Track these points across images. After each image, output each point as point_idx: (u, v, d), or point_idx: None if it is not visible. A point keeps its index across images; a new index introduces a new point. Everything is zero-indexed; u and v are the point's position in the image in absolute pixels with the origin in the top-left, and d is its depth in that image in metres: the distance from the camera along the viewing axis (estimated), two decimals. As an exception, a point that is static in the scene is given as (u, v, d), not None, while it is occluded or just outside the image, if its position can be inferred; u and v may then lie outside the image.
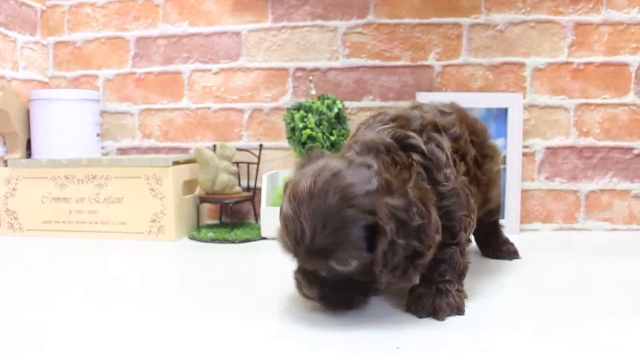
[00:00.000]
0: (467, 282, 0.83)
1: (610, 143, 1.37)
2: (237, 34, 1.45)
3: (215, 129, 1.48)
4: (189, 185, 1.39)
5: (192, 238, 1.31)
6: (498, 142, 1.35)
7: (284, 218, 0.70)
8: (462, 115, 0.89)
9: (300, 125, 1.23)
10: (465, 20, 1.38)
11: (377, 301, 0.81)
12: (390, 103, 1.40)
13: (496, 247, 1.11)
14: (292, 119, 1.24)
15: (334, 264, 0.69)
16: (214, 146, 1.39)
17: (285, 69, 1.43)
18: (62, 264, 1.10)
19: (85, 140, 1.43)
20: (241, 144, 1.46)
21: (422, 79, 1.40)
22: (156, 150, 1.51)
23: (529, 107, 1.38)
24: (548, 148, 1.38)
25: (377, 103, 1.41)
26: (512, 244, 1.13)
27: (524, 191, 1.39)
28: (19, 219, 1.39)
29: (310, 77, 1.33)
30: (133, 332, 0.72)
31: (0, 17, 1.39)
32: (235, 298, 0.85)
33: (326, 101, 1.26)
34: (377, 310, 0.78)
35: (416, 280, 0.74)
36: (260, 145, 1.41)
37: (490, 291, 0.89)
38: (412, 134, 0.76)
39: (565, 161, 1.38)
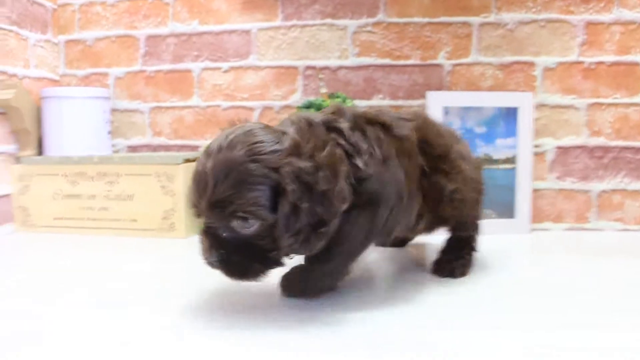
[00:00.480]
0: (470, 279, 0.84)
1: (621, 143, 1.36)
2: (247, 32, 1.45)
3: (225, 126, 1.48)
4: (199, 183, 1.39)
5: (202, 235, 1.32)
6: (507, 142, 1.35)
7: (192, 174, 0.70)
8: (421, 123, 0.88)
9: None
10: (475, 20, 1.38)
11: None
12: (400, 102, 1.40)
13: (438, 261, 0.97)
14: (302, 117, 1.24)
15: (234, 222, 0.67)
16: (224, 144, 1.40)
17: (295, 67, 1.44)
18: (73, 260, 1.11)
19: (96, 138, 1.44)
20: (251, 142, 1.46)
21: (431, 77, 1.39)
22: (167, 148, 1.52)
23: (539, 107, 1.37)
24: (559, 147, 1.38)
25: (387, 102, 1.41)
26: (459, 264, 0.96)
27: (534, 191, 1.38)
28: (31, 216, 1.40)
29: (321, 76, 1.33)
30: (142, 330, 0.72)
31: (13, 16, 1.40)
32: (245, 292, 0.85)
33: (336, 99, 1.26)
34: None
35: (316, 249, 0.70)
36: (270, 143, 1.41)
37: (490, 288, 0.89)
38: (340, 119, 0.76)
39: (576, 161, 1.38)
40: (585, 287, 0.90)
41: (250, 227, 0.67)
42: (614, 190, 1.37)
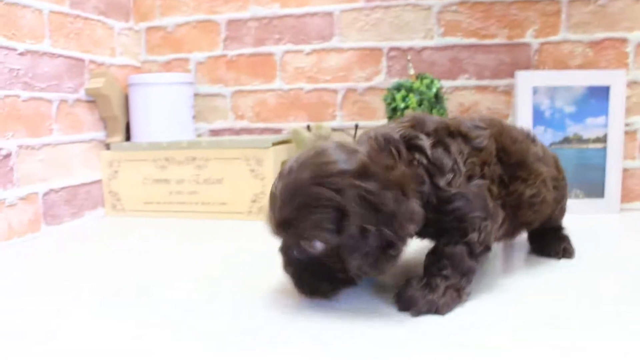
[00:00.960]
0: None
1: None
2: (329, 14, 1.45)
3: (308, 109, 1.49)
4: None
5: (291, 218, 1.34)
6: (598, 120, 1.32)
7: (269, 193, 0.71)
8: (497, 131, 0.83)
9: (402, 105, 1.22)
10: (564, -4, 1.35)
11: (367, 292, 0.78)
12: (486, 82, 1.38)
13: (546, 242, 0.98)
14: (393, 99, 1.24)
15: (302, 242, 0.68)
16: (308, 126, 1.41)
17: (379, 49, 1.43)
18: (164, 243, 1.14)
19: (181, 123, 1.47)
20: (335, 124, 1.46)
21: (519, 57, 1.37)
22: (249, 131, 1.54)
23: (631, 84, 1.34)
24: (650, 126, 1.35)
25: (473, 82, 1.39)
26: (566, 242, 0.98)
27: (624, 170, 1.35)
28: (121, 200, 1.44)
29: (409, 57, 1.32)
30: (233, 309, 0.74)
31: (101, 6, 1.43)
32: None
33: (424, 80, 1.26)
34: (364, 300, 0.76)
35: (386, 271, 0.69)
36: (356, 125, 1.42)
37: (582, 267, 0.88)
38: (421, 135, 0.74)
39: (668, 140, 1.34)
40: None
41: (316, 248, 0.68)
42: None
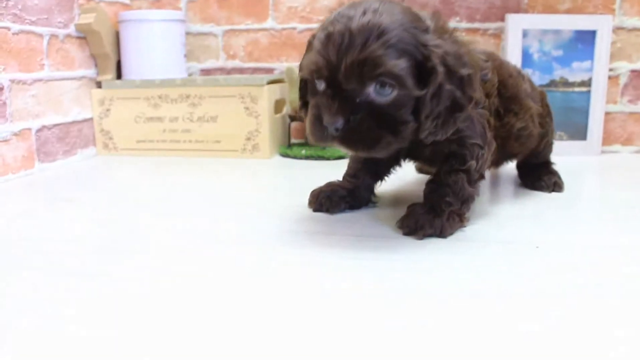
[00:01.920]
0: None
1: (695, 66, 1.37)
2: (323, -47, 1.44)
3: (301, 49, 1.48)
4: (278, 105, 1.42)
5: (285, 155, 1.36)
6: (584, 65, 1.36)
7: (326, 33, 0.65)
8: (498, 65, 0.85)
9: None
10: (556, -61, 1.36)
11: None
12: (477, 24, 1.40)
13: (537, 177, 1.03)
14: (388, 39, 1.26)
15: (374, 86, 0.64)
16: (301, 67, 1.42)
17: (373, -11, 1.43)
18: (158, 180, 1.16)
19: (173, 61, 1.46)
20: (327, 65, 1.48)
21: (509, 0, 1.39)
22: (240, 70, 1.54)
23: (616, 30, 1.37)
24: (633, 71, 1.39)
25: (464, 24, 1.41)
26: (556, 176, 1.04)
27: (606, 114, 1.40)
28: (113, 139, 1.44)
29: (403, -3, 1.33)
30: (226, 241, 0.78)
31: (88, -64, 1.39)
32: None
33: (419, 21, 1.27)
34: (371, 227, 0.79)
35: (448, 134, 0.70)
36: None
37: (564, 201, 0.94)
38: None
39: (649, 84, 1.39)
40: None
41: (388, 95, 0.64)
42: (685, 114, 1.40)
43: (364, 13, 0.63)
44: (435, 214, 0.74)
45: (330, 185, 0.89)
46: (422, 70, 0.65)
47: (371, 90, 0.64)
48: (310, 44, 0.70)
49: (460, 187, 0.76)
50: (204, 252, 0.69)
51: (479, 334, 0.47)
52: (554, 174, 1.04)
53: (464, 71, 0.66)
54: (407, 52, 0.63)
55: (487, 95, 0.79)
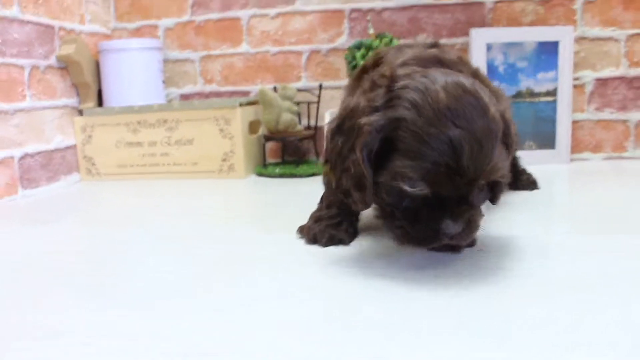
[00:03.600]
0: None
1: (659, 72, 1.40)
2: (293, -22, 1.50)
3: (274, 71, 1.54)
4: (253, 126, 1.47)
5: (260, 174, 1.40)
6: (548, 75, 1.40)
7: (441, 138, 0.59)
8: (474, 71, 0.83)
9: (362, 62, 1.28)
10: (515, -44, 1.41)
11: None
12: (444, 40, 1.45)
13: (513, 178, 1.04)
14: (354, 57, 1.30)
15: (485, 182, 0.62)
16: (275, 88, 1.46)
17: (341, 11, 1.48)
18: (138, 203, 1.21)
19: (151, 87, 1.51)
20: (300, 84, 1.52)
21: (474, 15, 1.44)
22: (218, 94, 1.59)
23: (579, 40, 1.41)
24: (598, 80, 1.42)
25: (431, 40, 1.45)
26: (530, 175, 1.13)
27: (574, 122, 1.44)
28: (95, 164, 1.49)
29: (369, 18, 1.38)
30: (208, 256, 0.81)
31: (67, -29, 1.46)
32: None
33: (384, 39, 1.32)
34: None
35: None
36: (320, 85, 1.48)
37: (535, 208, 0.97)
38: (457, 59, 0.76)
39: (615, 92, 1.42)
40: (620, 203, 0.98)
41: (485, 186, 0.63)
42: (652, 119, 1.42)
43: (473, 106, 0.60)
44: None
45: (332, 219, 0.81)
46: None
47: (483, 185, 0.63)
48: (360, 130, 0.63)
49: None
50: (182, 272, 0.73)
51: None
52: (525, 172, 1.12)
53: (508, 116, 0.67)
54: (499, 140, 0.62)
55: None
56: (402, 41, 1.44)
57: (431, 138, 0.59)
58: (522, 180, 1.12)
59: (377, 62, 0.77)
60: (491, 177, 0.61)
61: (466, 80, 0.62)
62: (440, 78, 0.62)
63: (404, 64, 0.69)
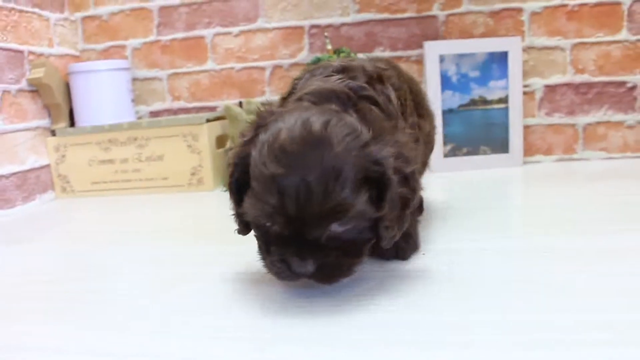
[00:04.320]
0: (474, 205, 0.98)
1: (604, 78, 1.48)
2: (254, -3, 1.56)
3: (239, 87, 1.60)
4: (220, 140, 1.53)
5: (229, 188, 1.46)
6: (500, 83, 1.47)
7: (269, 177, 0.59)
8: (398, 71, 0.86)
9: (354, 58, 1.35)
10: (465, -29, 1.48)
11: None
12: (399, 53, 1.52)
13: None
14: (312, 74, 1.37)
15: (337, 225, 0.61)
16: (240, 103, 1.52)
17: (301, 27, 1.55)
18: (112, 218, 1.26)
19: (121, 106, 1.57)
20: (264, 99, 1.59)
21: (428, 28, 1.51)
22: (186, 110, 1.65)
23: (527, 49, 1.49)
24: (547, 86, 1.50)
25: (388, 53, 1.53)
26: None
27: (526, 127, 1.51)
28: (70, 182, 1.54)
29: (326, 34, 1.45)
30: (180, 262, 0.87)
31: (34, -3, 1.51)
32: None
33: (342, 54, 1.38)
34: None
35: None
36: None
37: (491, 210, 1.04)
38: (366, 85, 0.72)
39: (563, 97, 1.50)
40: (574, 204, 1.06)
41: (349, 225, 0.62)
42: (598, 123, 1.50)
43: (310, 147, 0.59)
44: (408, 236, 0.77)
45: None
46: (378, 185, 0.62)
47: (335, 227, 0.61)
48: (235, 165, 0.66)
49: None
50: (155, 291, 0.78)
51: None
52: None
53: (409, 169, 0.65)
54: (364, 180, 0.61)
55: (405, 100, 0.80)
56: (360, 55, 1.51)
57: (261, 176, 0.60)
58: None
59: (292, 90, 0.78)
60: (330, 218, 0.59)
61: (320, 120, 0.60)
62: (292, 118, 0.62)
63: (300, 99, 0.70)
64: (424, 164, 0.94)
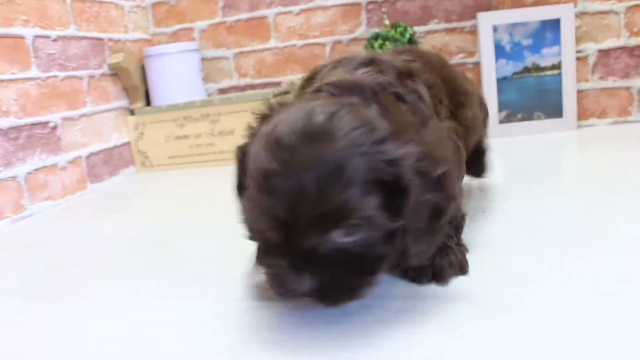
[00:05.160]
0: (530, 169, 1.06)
1: (659, 39, 1.51)
2: (313, -24, 1.65)
3: (302, 62, 1.70)
4: (286, 115, 1.63)
5: (295, 158, 1.58)
6: (552, 50, 1.52)
7: (262, 175, 0.52)
8: (426, 61, 0.77)
9: (380, 52, 1.43)
10: (517, -60, 1.52)
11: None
12: (454, 24, 1.58)
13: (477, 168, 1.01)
14: (372, 47, 1.45)
15: (339, 233, 0.52)
16: (303, 77, 1.62)
17: (358, 4, 1.63)
18: (189, 189, 1.40)
19: (193, 85, 1.69)
20: (325, 74, 1.68)
21: (480, 0, 1.56)
22: (252, 86, 1.76)
23: (580, 15, 1.52)
24: (600, 51, 1.54)
25: (443, 25, 1.59)
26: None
27: (579, 92, 1.56)
28: (148, 157, 1.68)
29: (383, 9, 1.52)
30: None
31: (111, -13, 1.64)
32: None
33: (398, 29, 1.46)
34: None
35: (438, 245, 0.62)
36: (344, 74, 1.63)
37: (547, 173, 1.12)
38: (395, 81, 0.64)
39: (617, 61, 1.54)
40: (629, 161, 1.12)
41: (355, 237, 0.52)
42: (653, 84, 1.54)
43: (309, 139, 0.51)
44: (445, 252, 0.66)
45: None
46: (394, 189, 0.53)
47: (337, 236, 0.52)
48: (241, 162, 0.60)
49: (452, 215, 0.62)
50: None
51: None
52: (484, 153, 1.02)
53: (440, 170, 0.55)
54: (374, 182, 0.51)
55: (440, 100, 0.71)
56: (415, 28, 1.58)
57: (254, 173, 0.53)
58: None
59: (310, 79, 0.73)
60: (328, 224, 0.51)
61: (325, 111, 0.52)
62: (296, 109, 0.54)
63: (318, 90, 0.62)
64: (469, 148, 0.85)
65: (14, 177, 1.26)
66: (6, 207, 1.23)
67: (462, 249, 0.68)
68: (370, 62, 0.67)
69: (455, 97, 0.78)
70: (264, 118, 0.59)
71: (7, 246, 1.05)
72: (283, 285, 0.53)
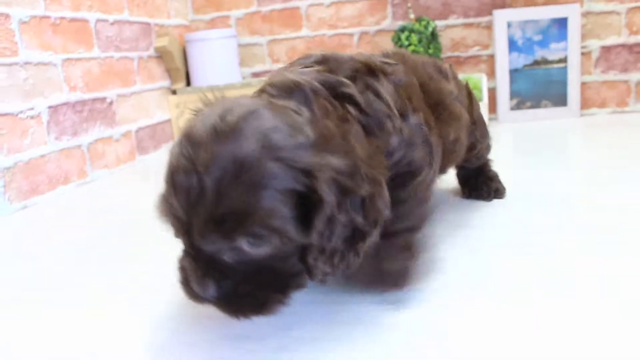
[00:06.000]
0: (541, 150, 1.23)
1: (655, 38, 1.68)
2: (343, -28, 1.80)
3: (331, 51, 1.85)
4: (315, 98, 1.79)
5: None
6: (560, 45, 1.68)
7: (170, 170, 0.50)
8: (412, 66, 0.74)
9: (406, 43, 1.59)
10: (531, -56, 1.68)
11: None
12: (471, 19, 1.74)
13: (475, 185, 0.96)
14: (399, 39, 1.61)
15: (245, 242, 0.49)
16: (332, 66, 1.78)
17: (385, -1, 1.79)
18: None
19: (230, 68, 1.84)
20: (352, 62, 1.84)
21: (496, -3, 1.73)
22: (283, 72, 1.91)
23: (585, 14, 1.69)
24: (603, 47, 1.70)
25: (461, 20, 1.75)
26: (495, 181, 0.96)
27: (582, 83, 1.72)
28: (188, 133, 1.83)
29: (409, 4, 1.68)
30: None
31: (158, -24, 1.78)
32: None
33: (422, 22, 1.62)
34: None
35: (352, 268, 0.55)
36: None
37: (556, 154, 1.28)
38: (345, 80, 0.60)
39: (617, 57, 1.70)
40: (625, 145, 1.29)
41: (263, 247, 0.49)
42: (649, 78, 1.71)
43: (216, 136, 0.48)
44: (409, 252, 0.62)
45: None
46: (309, 202, 0.49)
47: (242, 244, 0.49)
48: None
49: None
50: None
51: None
52: (493, 179, 0.97)
53: (364, 190, 0.52)
54: (288, 191, 0.48)
55: (409, 99, 0.67)
56: (436, 22, 1.74)
57: (166, 169, 0.52)
58: (481, 189, 0.96)
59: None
60: (229, 227, 0.48)
61: (243, 110, 0.50)
62: (218, 107, 0.52)
63: (262, 90, 0.60)
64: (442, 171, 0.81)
65: (79, 146, 1.42)
66: (73, 172, 1.39)
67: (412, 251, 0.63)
68: (322, 61, 0.65)
69: (434, 110, 0.74)
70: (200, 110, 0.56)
71: (75, 207, 1.21)
72: (187, 290, 0.52)
